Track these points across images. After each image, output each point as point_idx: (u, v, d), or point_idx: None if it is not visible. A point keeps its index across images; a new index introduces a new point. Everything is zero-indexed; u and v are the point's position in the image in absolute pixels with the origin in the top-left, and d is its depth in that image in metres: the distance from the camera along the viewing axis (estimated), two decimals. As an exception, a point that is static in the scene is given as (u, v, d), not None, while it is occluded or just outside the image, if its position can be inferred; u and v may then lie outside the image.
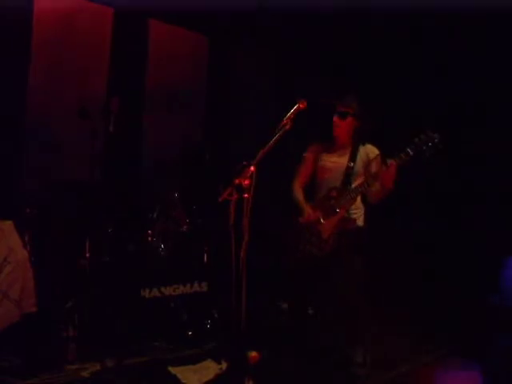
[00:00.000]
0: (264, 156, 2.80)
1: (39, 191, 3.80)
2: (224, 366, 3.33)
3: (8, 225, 2.48)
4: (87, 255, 3.29)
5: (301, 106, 2.81)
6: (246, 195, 2.75)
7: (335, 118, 3.38)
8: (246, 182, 2.77)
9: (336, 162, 3.40)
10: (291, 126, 2.82)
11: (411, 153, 3.09)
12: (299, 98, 2.76)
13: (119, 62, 4.61)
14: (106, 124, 3.60)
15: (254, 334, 2.73)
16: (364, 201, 3.41)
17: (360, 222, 3.38)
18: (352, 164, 3.34)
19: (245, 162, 2.79)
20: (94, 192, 3.76)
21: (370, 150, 3.40)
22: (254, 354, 2.77)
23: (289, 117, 2.79)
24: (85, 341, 3.30)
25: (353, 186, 3.30)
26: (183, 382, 3.18)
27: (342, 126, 3.37)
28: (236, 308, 2.70)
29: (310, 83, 4.66)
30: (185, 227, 3.89)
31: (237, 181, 2.77)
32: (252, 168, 2.77)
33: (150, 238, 3.75)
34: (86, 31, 4.48)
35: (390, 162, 3.13)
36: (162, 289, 3.64)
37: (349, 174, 3.33)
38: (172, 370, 3.29)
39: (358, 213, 3.38)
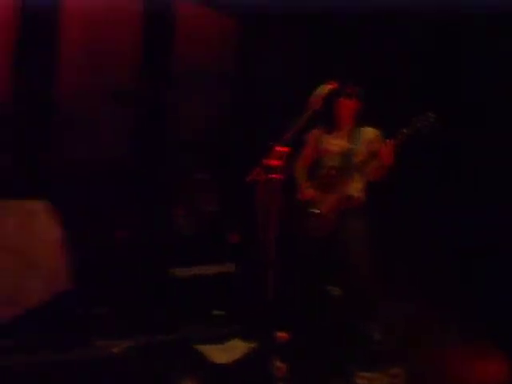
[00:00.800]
0: (292, 136, 2.78)
1: (70, 171, 3.86)
2: (252, 345, 3.35)
3: (41, 205, 2.53)
4: (117, 234, 3.33)
5: (330, 86, 2.80)
6: (275, 176, 2.75)
7: (342, 99, 3.41)
8: (275, 162, 2.76)
9: (337, 144, 3.46)
10: (321, 107, 2.81)
11: (407, 132, 3.17)
12: (329, 78, 2.75)
13: (151, 43, 4.62)
14: (138, 105, 3.64)
15: (281, 314, 2.73)
16: (364, 179, 3.43)
17: (360, 200, 3.40)
18: (352, 145, 3.38)
19: (273, 143, 2.78)
20: (123, 171, 3.80)
21: (369, 131, 3.46)
22: (282, 333, 2.78)
23: (319, 96, 2.77)
24: (114, 318, 3.35)
25: (352, 163, 3.33)
26: (211, 359, 3.21)
27: (349, 107, 3.42)
28: (265, 288, 2.71)
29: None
30: (214, 206, 3.91)
31: (265, 161, 2.76)
32: (282, 148, 2.76)
33: (178, 217, 3.78)
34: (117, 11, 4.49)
35: (387, 140, 3.23)
36: (191, 268, 3.67)
37: (349, 154, 3.37)
38: (200, 348, 3.33)
39: (357, 191, 3.40)
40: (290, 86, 4.96)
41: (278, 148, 2.76)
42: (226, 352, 3.35)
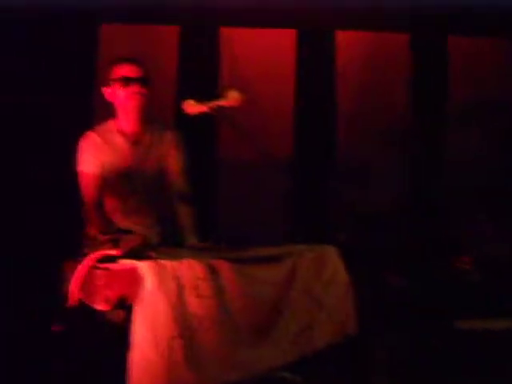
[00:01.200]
0: None
1: (346, 221, 3.99)
2: None
3: (332, 249, 2.62)
4: (395, 279, 3.28)
5: None
6: None
7: None
8: None
9: None
10: None
11: None
12: None
13: (420, 83, 4.58)
14: (415, 148, 3.62)
15: None
16: None
17: None
18: None
19: None
20: (403, 217, 3.77)
21: None
22: None
23: None
24: (394, 367, 3.26)
25: None
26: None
27: None
28: None
29: None
30: (505, 252, 3.58)
31: None
32: None
33: (463, 264, 3.55)
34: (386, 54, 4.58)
35: None
36: (478, 321, 3.38)
37: None
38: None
39: None
40: None
41: None
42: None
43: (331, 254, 2.61)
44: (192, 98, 2.64)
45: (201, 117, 2.67)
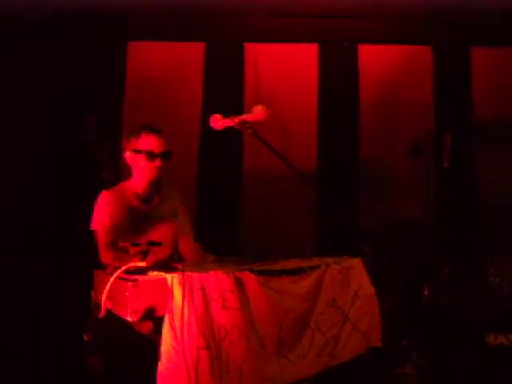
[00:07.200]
0: None
1: (373, 230, 3.99)
2: None
3: (358, 262, 2.63)
4: (425, 293, 3.26)
5: None
6: None
7: None
8: None
9: None
10: None
11: None
12: None
13: (443, 95, 4.57)
14: (439, 160, 3.61)
15: None
16: None
17: None
18: None
19: None
20: (430, 230, 3.74)
21: None
22: None
23: None
24: (423, 381, 3.22)
25: None
26: None
27: None
28: None
29: None
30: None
31: None
32: None
33: (493, 278, 3.50)
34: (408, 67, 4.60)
35: None
36: (507, 335, 3.32)
37: None
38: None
39: None
40: None
41: None
42: None
43: (357, 266, 2.61)
44: (218, 112, 2.67)
45: (227, 131, 2.71)
